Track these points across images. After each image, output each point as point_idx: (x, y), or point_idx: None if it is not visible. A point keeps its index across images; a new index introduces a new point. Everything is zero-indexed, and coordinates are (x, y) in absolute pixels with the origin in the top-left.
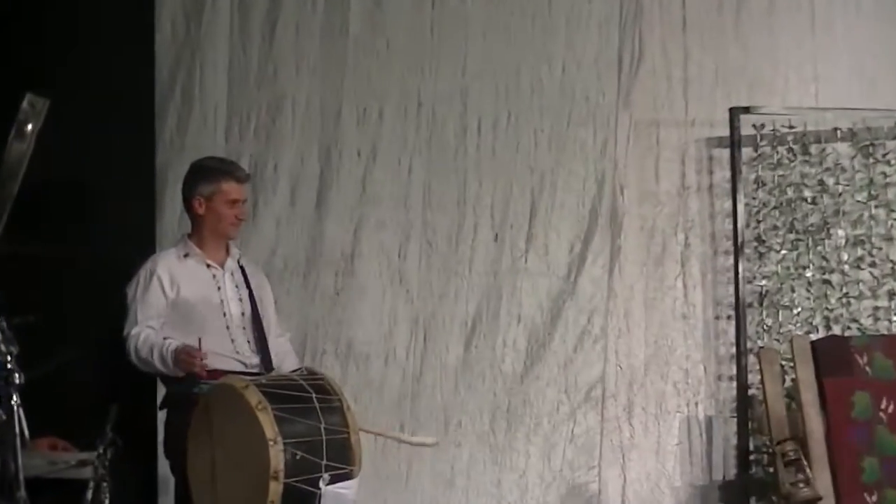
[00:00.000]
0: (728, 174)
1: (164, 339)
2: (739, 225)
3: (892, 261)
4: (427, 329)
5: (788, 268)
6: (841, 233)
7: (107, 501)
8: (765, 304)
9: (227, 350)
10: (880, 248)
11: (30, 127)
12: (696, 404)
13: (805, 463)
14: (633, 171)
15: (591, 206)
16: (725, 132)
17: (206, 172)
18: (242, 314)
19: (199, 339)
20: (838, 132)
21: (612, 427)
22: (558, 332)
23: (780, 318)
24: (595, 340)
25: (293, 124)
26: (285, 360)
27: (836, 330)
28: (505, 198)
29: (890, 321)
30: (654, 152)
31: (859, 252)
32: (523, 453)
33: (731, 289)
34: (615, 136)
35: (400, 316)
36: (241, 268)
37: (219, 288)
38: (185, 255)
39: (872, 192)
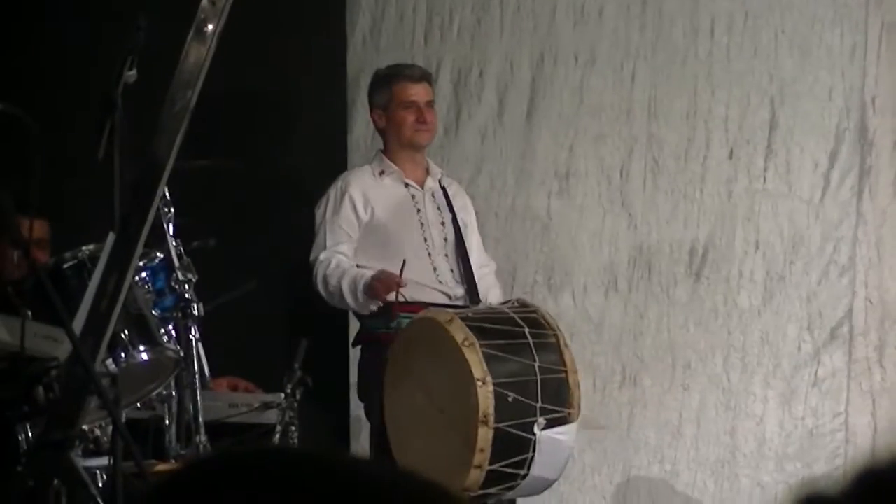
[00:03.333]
0: None
1: (357, 266)
2: None
3: None
4: (652, 258)
5: None
6: None
7: None
8: None
9: (429, 279)
10: None
11: (210, 27)
12: None
13: None
14: (885, 80)
15: (837, 119)
16: None
17: (376, 81)
18: (445, 240)
19: (403, 263)
20: None
21: (861, 369)
22: (800, 262)
23: None
24: (842, 272)
25: (501, 24)
26: (488, 294)
27: None
28: (741, 109)
29: None
30: None
31: None
32: (761, 398)
33: None
34: (865, 40)
35: (621, 242)
36: (443, 188)
37: (418, 210)
38: (381, 173)
39: None
